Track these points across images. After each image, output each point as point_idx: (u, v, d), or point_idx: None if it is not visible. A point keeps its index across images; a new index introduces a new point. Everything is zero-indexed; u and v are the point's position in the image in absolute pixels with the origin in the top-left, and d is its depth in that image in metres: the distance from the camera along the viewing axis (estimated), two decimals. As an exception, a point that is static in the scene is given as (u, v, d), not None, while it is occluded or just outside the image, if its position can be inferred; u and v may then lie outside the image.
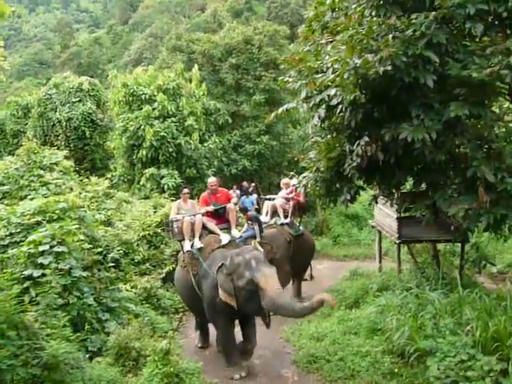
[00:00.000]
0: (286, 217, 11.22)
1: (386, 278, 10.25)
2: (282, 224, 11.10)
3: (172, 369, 6.81)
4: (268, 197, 12.11)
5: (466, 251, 10.48)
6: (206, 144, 20.54)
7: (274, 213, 11.24)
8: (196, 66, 22.04)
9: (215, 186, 9.07)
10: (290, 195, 11.47)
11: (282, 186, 12.34)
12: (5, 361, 5.68)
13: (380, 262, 12.59)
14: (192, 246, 8.48)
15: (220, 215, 8.88)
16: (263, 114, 22.69)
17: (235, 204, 10.00)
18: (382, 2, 6.98)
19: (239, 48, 24.24)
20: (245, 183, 15.71)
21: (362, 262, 15.39)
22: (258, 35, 24.89)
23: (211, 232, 8.66)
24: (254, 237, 9.76)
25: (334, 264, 15.27)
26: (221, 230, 8.72)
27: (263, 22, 29.39)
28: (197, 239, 8.46)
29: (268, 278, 7.29)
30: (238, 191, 15.59)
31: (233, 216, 8.86)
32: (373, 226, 13.20)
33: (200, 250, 8.35)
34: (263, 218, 10.85)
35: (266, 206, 11.46)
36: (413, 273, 9.87)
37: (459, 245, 10.28)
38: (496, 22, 6.82)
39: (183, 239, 8.62)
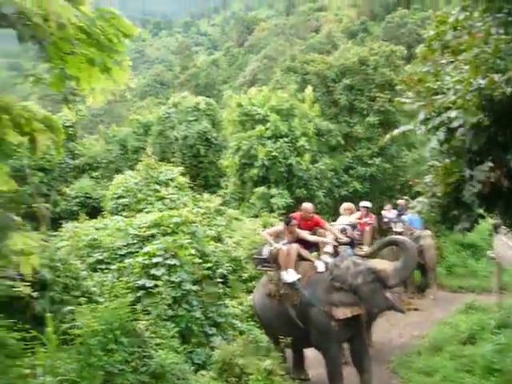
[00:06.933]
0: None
1: (506, 314, 9.53)
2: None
3: (275, 389, 6.76)
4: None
5: None
6: (317, 165, 20.44)
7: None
8: (310, 87, 22.12)
9: (311, 213, 8.80)
10: (364, 220, 10.88)
11: (342, 211, 11.20)
12: (117, 365, 5.94)
13: (499, 296, 11.73)
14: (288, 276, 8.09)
15: (307, 240, 8.53)
16: (376, 135, 22.27)
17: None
18: (511, 19, 6.58)
19: (354, 69, 24.00)
20: (401, 201, 14.47)
21: (479, 295, 14.41)
22: (374, 56, 24.50)
23: (302, 258, 8.29)
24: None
25: (447, 295, 14.48)
26: None
27: (379, 42, 28.96)
28: (292, 270, 8.05)
29: (376, 262, 7.64)
30: (394, 210, 14.50)
31: (323, 242, 8.55)
32: (492, 258, 12.35)
33: (298, 279, 8.02)
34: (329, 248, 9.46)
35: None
36: (536, 310, 9.11)
37: None
38: None
39: (278, 269, 8.22)
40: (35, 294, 6.78)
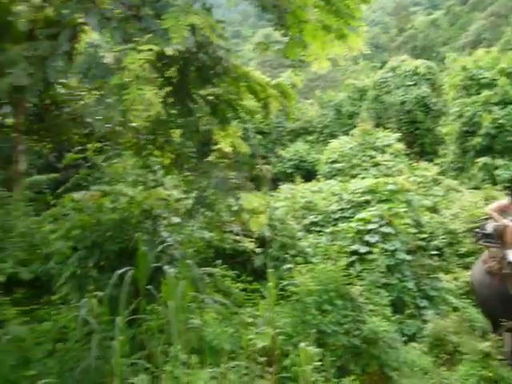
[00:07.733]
0: None
1: None
2: None
3: (491, 374, 6.35)
4: None
5: None
6: (552, 134, 18.45)
7: None
8: (548, 47, 19.86)
9: None
10: None
11: None
12: (330, 325, 6.13)
13: None
14: None
15: None
16: None
17: None
18: None
19: None
20: None
21: None
22: None
23: None
24: None
25: None
26: None
27: None
28: None
29: None
30: None
31: None
32: None
33: None
34: None
35: None
36: None
37: None
38: None
39: (503, 246, 7.41)
40: (257, 250, 7.29)
